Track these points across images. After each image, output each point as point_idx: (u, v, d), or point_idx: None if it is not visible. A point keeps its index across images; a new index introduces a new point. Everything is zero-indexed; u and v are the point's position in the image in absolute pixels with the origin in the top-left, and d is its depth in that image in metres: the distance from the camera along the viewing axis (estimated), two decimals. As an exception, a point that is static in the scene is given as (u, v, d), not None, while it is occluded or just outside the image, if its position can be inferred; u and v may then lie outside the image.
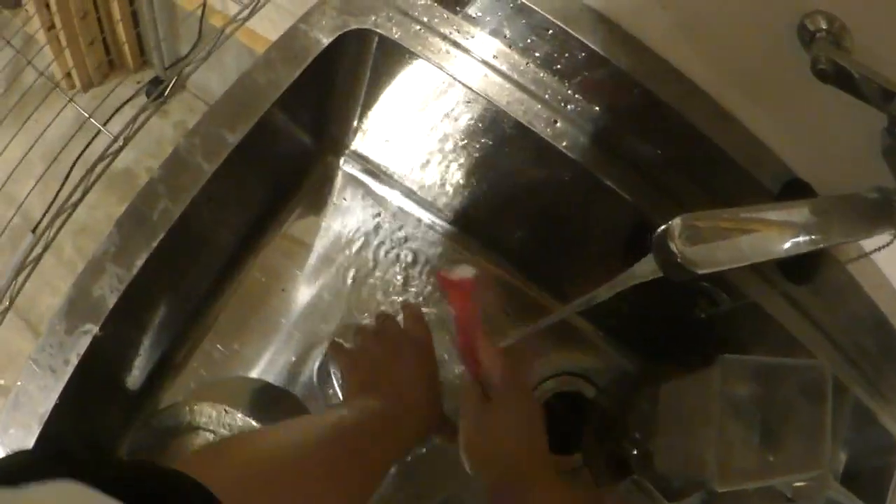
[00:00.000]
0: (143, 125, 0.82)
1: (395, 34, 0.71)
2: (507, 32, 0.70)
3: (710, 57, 0.62)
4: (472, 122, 0.75)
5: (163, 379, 0.80)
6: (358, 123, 0.87)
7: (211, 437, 0.72)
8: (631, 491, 0.76)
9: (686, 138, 0.65)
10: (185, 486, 0.33)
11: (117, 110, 1.04)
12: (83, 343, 0.60)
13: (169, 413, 0.73)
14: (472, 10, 0.71)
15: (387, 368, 0.62)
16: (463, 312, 0.64)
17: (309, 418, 0.66)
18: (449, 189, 0.88)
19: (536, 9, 0.66)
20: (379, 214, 0.90)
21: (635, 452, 0.78)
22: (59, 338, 0.60)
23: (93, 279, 0.60)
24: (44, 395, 0.59)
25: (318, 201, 0.90)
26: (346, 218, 0.90)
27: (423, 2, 0.71)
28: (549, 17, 0.66)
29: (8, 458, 0.31)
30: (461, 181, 0.86)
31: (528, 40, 0.69)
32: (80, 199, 0.75)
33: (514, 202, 0.85)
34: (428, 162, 0.86)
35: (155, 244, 0.61)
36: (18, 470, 0.27)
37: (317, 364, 0.84)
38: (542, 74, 0.71)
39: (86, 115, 1.00)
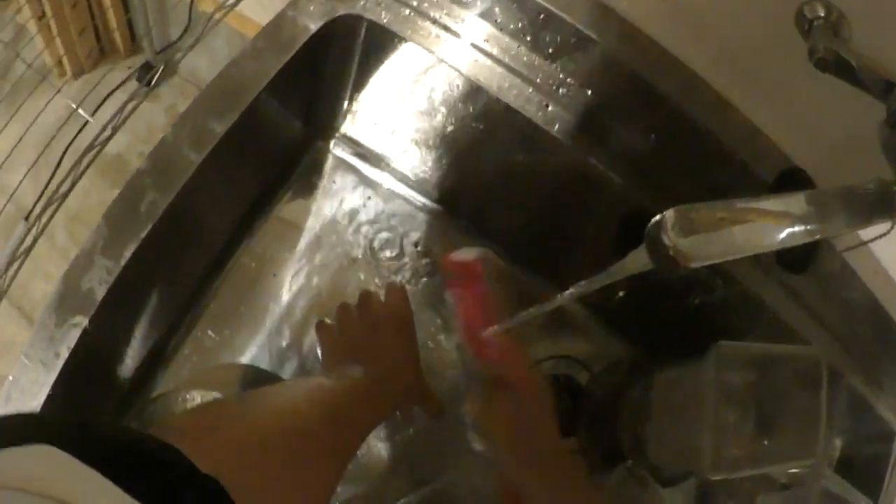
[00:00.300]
0: (131, 113, 0.81)
1: (384, 19, 0.70)
2: (498, 16, 0.69)
3: (708, 43, 0.61)
4: (463, 105, 0.74)
5: (155, 367, 0.80)
6: (348, 107, 0.86)
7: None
8: (624, 478, 0.76)
9: (681, 125, 0.65)
10: (164, 454, 0.32)
11: (107, 97, 1.03)
12: (73, 336, 0.59)
13: (161, 401, 0.73)
14: (462, -6, 0.69)
15: (365, 341, 0.64)
16: (470, 296, 0.63)
17: (288, 385, 0.66)
18: (439, 171, 0.87)
19: (528, -9, 0.65)
20: (369, 197, 0.90)
21: (629, 440, 0.78)
22: (50, 332, 0.59)
23: (82, 272, 0.60)
24: (35, 389, 0.59)
25: (308, 186, 0.89)
26: (337, 201, 0.89)
27: (412, -15, 0.70)
28: (540, 0, 0.65)
29: None
30: (451, 164, 0.85)
31: (520, 24, 0.68)
32: (70, 190, 0.74)
33: (505, 185, 0.84)
34: (418, 145, 0.85)
35: (143, 235, 0.61)
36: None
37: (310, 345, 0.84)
38: (533, 58, 0.70)
39: (73, 105, 0.98)
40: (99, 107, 1.02)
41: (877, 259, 0.66)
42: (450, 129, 0.79)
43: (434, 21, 0.70)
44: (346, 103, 0.85)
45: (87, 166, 0.77)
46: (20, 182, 1.02)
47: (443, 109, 0.77)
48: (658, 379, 0.76)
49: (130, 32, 1.52)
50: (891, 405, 0.74)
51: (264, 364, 0.83)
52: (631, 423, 0.78)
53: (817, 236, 0.44)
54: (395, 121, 0.84)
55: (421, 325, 0.81)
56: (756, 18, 0.54)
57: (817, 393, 0.63)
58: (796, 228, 0.44)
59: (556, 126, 0.69)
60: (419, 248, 0.89)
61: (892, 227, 0.47)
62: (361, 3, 0.69)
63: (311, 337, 0.84)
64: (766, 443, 0.68)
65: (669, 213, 0.41)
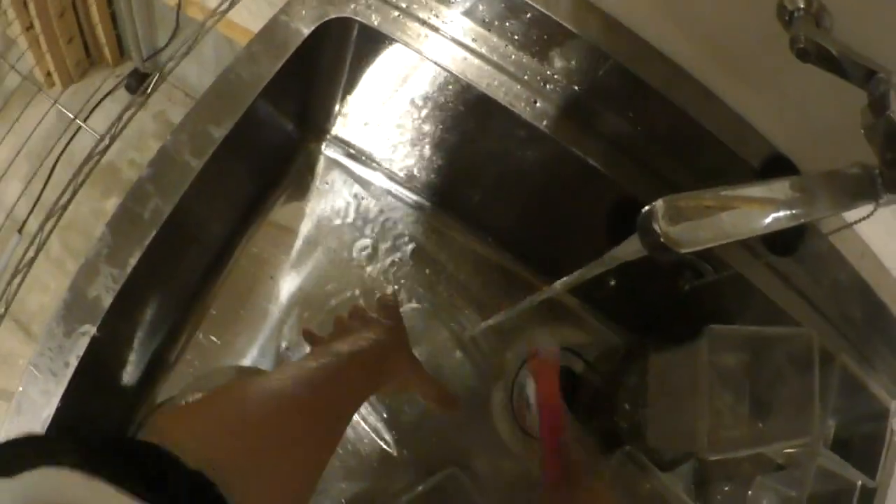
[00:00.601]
0: (128, 122, 0.82)
1: (375, 21, 0.71)
2: (486, 15, 0.70)
3: (692, 36, 0.62)
4: (452, 104, 0.76)
5: (158, 373, 0.80)
6: (339, 109, 0.87)
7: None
8: (623, 462, 0.77)
9: (668, 117, 0.66)
10: (161, 460, 0.34)
11: (97, 105, 1.04)
12: (82, 344, 0.60)
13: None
14: (450, -5, 0.71)
15: (352, 330, 0.64)
16: (548, 398, 0.71)
17: (270, 371, 0.66)
18: (430, 169, 0.88)
19: (514, -9, 0.66)
20: (362, 197, 0.91)
21: (626, 425, 0.79)
22: (58, 341, 0.60)
23: (87, 280, 0.61)
24: (46, 400, 0.60)
25: (302, 187, 0.90)
26: (330, 202, 0.91)
27: (401, -13, 0.72)
28: (527, -1, 0.66)
29: (5, 445, 0.31)
30: (442, 161, 0.86)
31: (507, 23, 0.70)
32: (69, 201, 0.75)
33: (496, 181, 0.85)
34: (409, 144, 0.86)
35: (147, 242, 0.62)
36: (13, 458, 0.29)
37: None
38: (520, 56, 0.71)
39: (70, 115, 0.99)
40: (88, 116, 1.02)
41: (863, 241, 0.68)
42: (440, 127, 0.80)
43: (423, 22, 0.71)
44: (337, 105, 0.86)
45: (86, 177, 0.77)
46: (18, 199, 1.02)
47: (432, 108, 0.78)
48: (653, 364, 0.77)
49: (118, 41, 1.52)
50: (883, 383, 0.75)
51: (265, 365, 0.84)
52: (628, 409, 0.80)
53: (802, 220, 0.46)
54: (385, 121, 0.85)
55: (412, 321, 0.84)
56: (738, 10, 0.55)
57: (810, 373, 0.65)
58: (781, 213, 0.45)
59: (545, 122, 0.70)
60: (412, 245, 0.90)
61: (874, 210, 0.49)
62: (352, 6, 0.71)
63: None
64: (761, 423, 0.69)
65: (659, 203, 0.43)
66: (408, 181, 0.91)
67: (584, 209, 0.80)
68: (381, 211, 0.91)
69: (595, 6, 0.66)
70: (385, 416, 0.83)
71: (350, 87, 0.83)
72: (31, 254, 0.75)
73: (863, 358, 0.74)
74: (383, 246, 0.90)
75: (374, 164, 0.91)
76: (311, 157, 0.91)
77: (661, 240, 0.41)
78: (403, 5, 0.71)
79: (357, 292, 0.88)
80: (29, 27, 1.27)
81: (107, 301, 0.60)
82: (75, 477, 0.28)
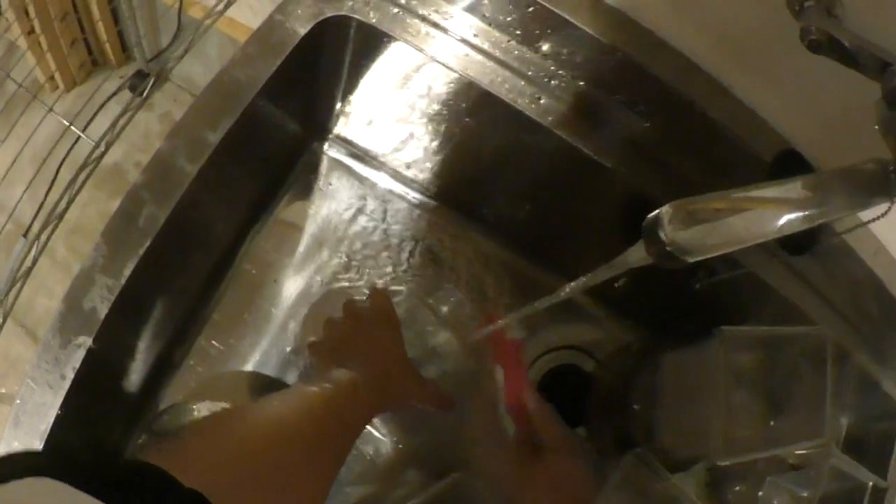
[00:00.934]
0: (123, 128, 0.81)
1: (373, 18, 0.69)
2: (488, 10, 0.68)
3: (701, 28, 0.60)
4: (455, 101, 0.74)
5: (161, 380, 0.80)
6: (340, 108, 0.85)
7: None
8: (634, 464, 0.76)
9: (677, 111, 0.64)
10: (159, 481, 0.34)
11: (99, 109, 1.03)
12: (78, 356, 0.59)
13: (170, 414, 0.73)
14: (450, -10, 0.69)
15: (348, 343, 0.66)
16: (513, 367, 0.70)
17: (271, 397, 0.67)
18: (434, 168, 0.87)
19: (516, -15, 0.65)
20: (365, 197, 0.89)
21: (639, 426, 0.78)
22: (54, 353, 0.59)
23: (83, 291, 0.60)
24: (43, 412, 0.59)
25: (305, 188, 0.89)
26: (334, 202, 0.89)
27: (400, -17, 0.70)
28: (529, -7, 0.65)
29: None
30: (446, 160, 0.85)
31: (509, 17, 0.68)
32: (66, 209, 0.74)
33: (501, 179, 0.84)
34: (412, 142, 0.85)
35: (142, 251, 0.61)
36: (3, 469, 0.29)
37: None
38: (524, 51, 0.69)
39: (66, 123, 0.98)
40: (91, 120, 1.01)
41: (877, 238, 0.66)
42: (443, 125, 0.79)
43: (423, 18, 0.69)
44: (339, 104, 0.84)
45: (83, 185, 0.76)
46: (19, 201, 1.02)
47: (435, 106, 0.77)
48: (665, 364, 0.76)
49: (121, 42, 1.51)
50: (897, 382, 0.74)
51: (269, 371, 0.83)
52: (640, 410, 0.79)
53: (817, 221, 0.44)
54: (388, 119, 0.83)
55: (417, 322, 0.83)
56: (748, 1, 0.53)
57: (824, 372, 0.63)
58: (795, 214, 0.43)
59: (550, 118, 0.68)
60: (418, 245, 0.89)
61: (890, 207, 0.47)
62: (349, 3, 0.69)
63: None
64: (775, 424, 0.68)
65: (666, 209, 0.41)
66: (412, 180, 0.89)
67: (593, 206, 0.78)
68: (386, 211, 0.89)
69: (599, -2, 0.64)
70: (391, 418, 0.82)
71: (351, 85, 0.81)
72: (28, 262, 0.75)
73: (878, 356, 0.72)
74: (388, 246, 0.88)
75: (377, 164, 0.90)
76: (313, 157, 0.90)
77: (668, 248, 0.40)
78: (403, 1, 0.70)
79: (364, 295, 0.87)
80: (30, 31, 1.27)
81: (102, 312, 0.59)
82: (56, 486, 0.28)
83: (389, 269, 0.88)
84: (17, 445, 0.59)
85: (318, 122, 0.87)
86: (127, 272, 0.60)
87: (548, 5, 0.64)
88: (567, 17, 0.64)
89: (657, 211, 0.40)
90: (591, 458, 0.65)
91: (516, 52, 0.69)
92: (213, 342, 0.82)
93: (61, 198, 0.75)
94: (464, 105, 0.74)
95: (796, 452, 0.72)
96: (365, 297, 0.80)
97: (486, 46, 0.69)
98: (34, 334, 1.30)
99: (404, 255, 0.88)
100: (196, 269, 0.80)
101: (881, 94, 0.44)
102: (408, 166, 0.88)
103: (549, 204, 0.83)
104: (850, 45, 0.44)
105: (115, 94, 1.18)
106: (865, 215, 0.49)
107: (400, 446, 0.82)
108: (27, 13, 1.25)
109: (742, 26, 0.57)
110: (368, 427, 0.81)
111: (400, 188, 0.90)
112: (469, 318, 0.87)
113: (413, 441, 0.82)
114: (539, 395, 0.69)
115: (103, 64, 1.57)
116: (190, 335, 0.81)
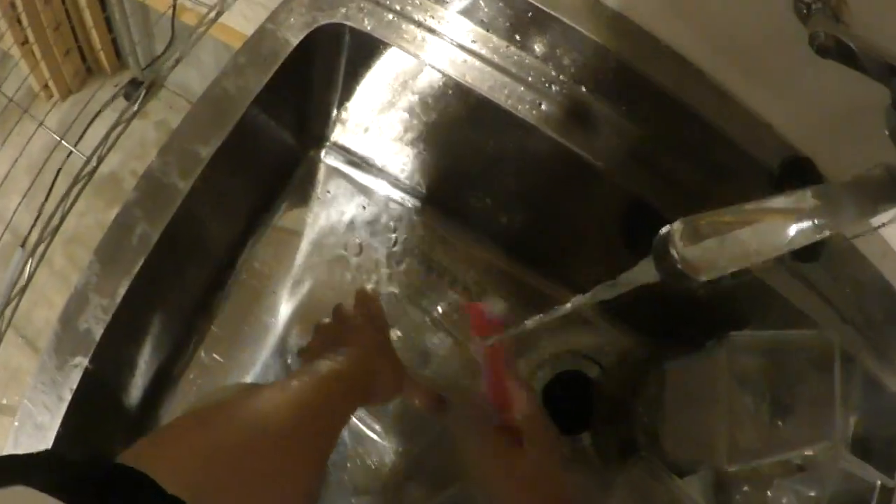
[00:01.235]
0: (116, 141, 0.79)
1: (367, 25, 0.68)
2: (485, 16, 0.67)
3: (704, 32, 0.59)
4: (453, 107, 0.73)
5: (162, 394, 0.79)
6: (337, 116, 0.84)
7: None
8: (640, 468, 0.75)
9: (680, 117, 0.63)
10: (130, 478, 0.33)
11: (93, 119, 1.01)
12: (75, 377, 0.58)
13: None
14: (446, -5, 0.68)
15: (335, 340, 0.64)
16: (494, 350, 0.66)
17: (253, 390, 0.67)
18: (434, 175, 0.86)
19: (514, -10, 0.63)
20: (363, 205, 0.88)
21: (644, 433, 0.77)
22: (51, 374, 0.58)
23: (77, 311, 0.59)
24: (41, 434, 0.58)
25: (302, 197, 0.88)
26: (332, 211, 0.88)
27: (394, -11, 0.69)
28: (527, -3, 0.63)
29: None
30: (445, 166, 0.84)
31: (507, 22, 0.67)
32: (60, 223, 0.73)
33: (501, 185, 0.82)
34: (411, 149, 0.84)
35: (136, 270, 0.59)
36: None
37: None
38: (523, 56, 0.68)
39: (57, 138, 0.97)
40: (84, 132, 1.00)
41: (885, 241, 0.65)
42: (441, 131, 0.78)
43: (419, 24, 0.68)
44: (335, 112, 0.83)
45: (76, 198, 0.75)
46: (15, 210, 1.01)
47: (433, 113, 0.76)
48: (671, 370, 0.75)
49: (115, 50, 1.51)
50: (905, 385, 0.73)
51: (270, 381, 0.82)
52: (646, 415, 0.78)
53: (829, 231, 0.43)
54: (385, 126, 0.82)
55: (412, 325, 0.83)
56: (752, 4, 0.52)
57: (830, 375, 0.63)
58: (806, 225, 0.42)
59: (550, 125, 0.67)
60: (417, 252, 0.88)
61: (900, 213, 0.46)
62: (343, 10, 0.68)
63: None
64: (781, 427, 0.67)
65: (676, 225, 0.40)
66: (410, 188, 0.88)
67: (593, 213, 0.77)
68: (385, 219, 0.88)
69: (601, 2, 0.63)
70: (393, 427, 0.81)
71: (347, 93, 0.80)
72: (27, 272, 0.73)
73: (885, 359, 0.71)
74: (388, 254, 0.87)
75: (375, 171, 0.89)
76: (310, 166, 0.89)
77: (679, 266, 0.39)
78: (398, 7, 0.68)
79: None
80: (24, 42, 1.26)
81: (98, 332, 0.58)
82: (29, 494, 0.28)
83: (386, 272, 0.87)
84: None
85: (314, 131, 0.86)
86: (121, 291, 0.59)
87: (547, 9, 0.63)
88: (568, 21, 0.63)
89: (667, 227, 0.39)
90: (562, 449, 0.62)
91: (515, 58, 0.68)
92: (214, 355, 0.81)
93: (54, 213, 0.74)
94: (463, 112, 0.72)
95: (804, 455, 0.71)
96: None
97: (484, 52, 0.68)
98: (34, 345, 1.29)
99: (404, 263, 0.87)
100: (193, 283, 0.79)
101: (890, 100, 0.43)
102: (406, 173, 0.87)
103: (549, 211, 0.82)
104: (858, 50, 0.43)
105: (109, 102, 1.16)
106: (874, 220, 0.48)
107: (403, 456, 0.81)
108: (20, 22, 1.24)
109: (747, 31, 0.56)
110: (372, 435, 0.80)
111: (398, 194, 0.89)
112: (465, 323, 0.86)
113: (415, 449, 0.82)
114: (517, 374, 0.66)
115: (98, 72, 1.56)
116: (189, 348, 0.80)
